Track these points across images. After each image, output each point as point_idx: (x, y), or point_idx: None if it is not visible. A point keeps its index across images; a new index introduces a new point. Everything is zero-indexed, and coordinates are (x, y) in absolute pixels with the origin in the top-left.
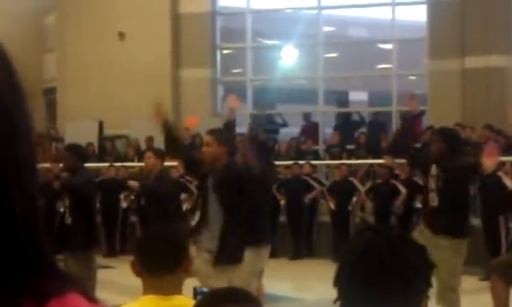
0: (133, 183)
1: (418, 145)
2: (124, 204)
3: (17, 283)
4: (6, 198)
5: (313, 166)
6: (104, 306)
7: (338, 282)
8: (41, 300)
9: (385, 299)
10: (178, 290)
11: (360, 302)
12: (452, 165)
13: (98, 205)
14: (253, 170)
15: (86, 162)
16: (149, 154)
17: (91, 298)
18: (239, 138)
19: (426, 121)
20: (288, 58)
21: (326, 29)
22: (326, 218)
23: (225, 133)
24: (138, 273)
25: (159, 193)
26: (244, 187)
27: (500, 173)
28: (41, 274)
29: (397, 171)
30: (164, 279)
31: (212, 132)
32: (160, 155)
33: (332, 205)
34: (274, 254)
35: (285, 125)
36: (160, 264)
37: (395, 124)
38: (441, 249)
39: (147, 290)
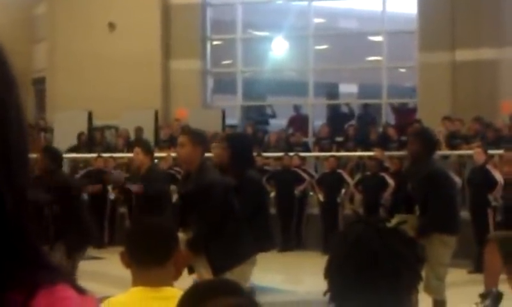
0: (136, 188)
1: (405, 138)
2: (112, 196)
3: (6, 275)
4: None
5: (303, 158)
6: (92, 296)
7: (329, 274)
8: (31, 291)
9: (375, 291)
10: (167, 282)
11: (350, 294)
12: (423, 174)
13: (86, 196)
14: (227, 182)
15: (61, 165)
16: (137, 149)
17: (80, 288)
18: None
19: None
20: (278, 50)
21: (317, 20)
22: (315, 210)
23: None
24: (127, 264)
25: (149, 196)
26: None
27: (488, 166)
28: (31, 265)
29: (386, 164)
30: (154, 270)
31: (186, 131)
32: (149, 150)
33: (321, 197)
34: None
35: (273, 116)
36: (149, 256)
37: (384, 116)
38: (430, 240)
39: (136, 281)
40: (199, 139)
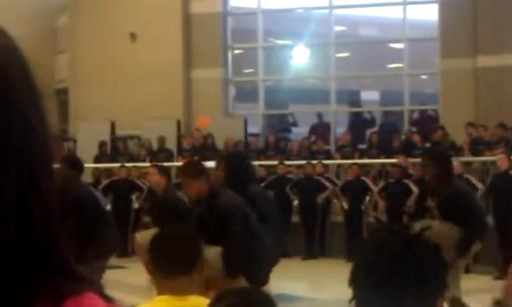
0: None
1: (428, 144)
2: (136, 205)
3: (33, 283)
4: (22, 198)
5: (326, 166)
6: (120, 305)
7: (354, 282)
8: (58, 300)
9: (401, 299)
10: (192, 290)
11: (376, 302)
12: (448, 198)
13: (109, 206)
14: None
15: (80, 174)
16: (152, 170)
17: (107, 297)
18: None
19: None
20: (299, 58)
21: (338, 28)
22: (338, 218)
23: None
24: (152, 274)
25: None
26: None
27: None
28: (58, 273)
29: (410, 171)
30: (179, 279)
31: (182, 168)
32: (165, 172)
33: (345, 205)
34: (287, 254)
35: (294, 124)
36: (175, 265)
37: (407, 123)
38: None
39: (161, 290)
40: (198, 171)
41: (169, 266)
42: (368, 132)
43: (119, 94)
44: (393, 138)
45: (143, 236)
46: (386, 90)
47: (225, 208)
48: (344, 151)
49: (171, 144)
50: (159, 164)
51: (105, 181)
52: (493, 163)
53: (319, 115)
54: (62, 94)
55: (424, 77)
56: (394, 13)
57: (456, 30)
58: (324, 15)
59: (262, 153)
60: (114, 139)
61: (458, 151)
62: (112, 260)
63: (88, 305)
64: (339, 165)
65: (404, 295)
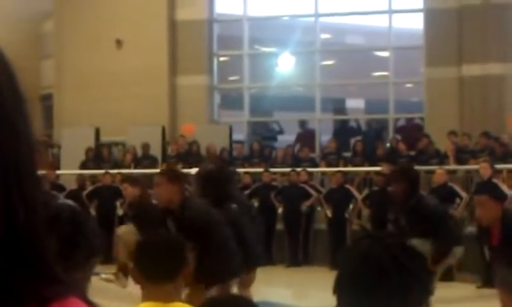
0: None
1: (413, 153)
2: (120, 211)
3: (18, 287)
4: (8, 203)
5: (310, 174)
6: None
7: (338, 289)
8: (42, 304)
9: (385, 306)
10: (177, 297)
11: None
12: (417, 212)
13: (94, 212)
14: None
15: None
16: (125, 185)
17: (91, 303)
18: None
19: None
20: (285, 65)
21: (323, 36)
22: (322, 225)
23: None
24: (137, 280)
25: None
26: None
27: (495, 180)
28: (42, 278)
29: None
30: (163, 286)
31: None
32: (136, 183)
33: (329, 213)
34: (271, 262)
35: (280, 132)
36: (160, 271)
37: (391, 131)
38: None
39: (146, 297)
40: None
41: (155, 272)
42: (353, 140)
43: (104, 100)
44: (378, 146)
45: (124, 231)
46: (371, 98)
47: (196, 222)
48: (329, 158)
49: (156, 151)
50: (128, 175)
51: (89, 188)
52: (477, 171)
53: (302, 123)
54: (47, 100)
55: (409, 85)
56: (380, 21)
57: (441, 39)
58: (309, 23)
59: (247, 161)
60: (99, 145)
61: (443, 159)
62: (97, 267)
63: None
64: (324, 173)
65: (388, 303)
